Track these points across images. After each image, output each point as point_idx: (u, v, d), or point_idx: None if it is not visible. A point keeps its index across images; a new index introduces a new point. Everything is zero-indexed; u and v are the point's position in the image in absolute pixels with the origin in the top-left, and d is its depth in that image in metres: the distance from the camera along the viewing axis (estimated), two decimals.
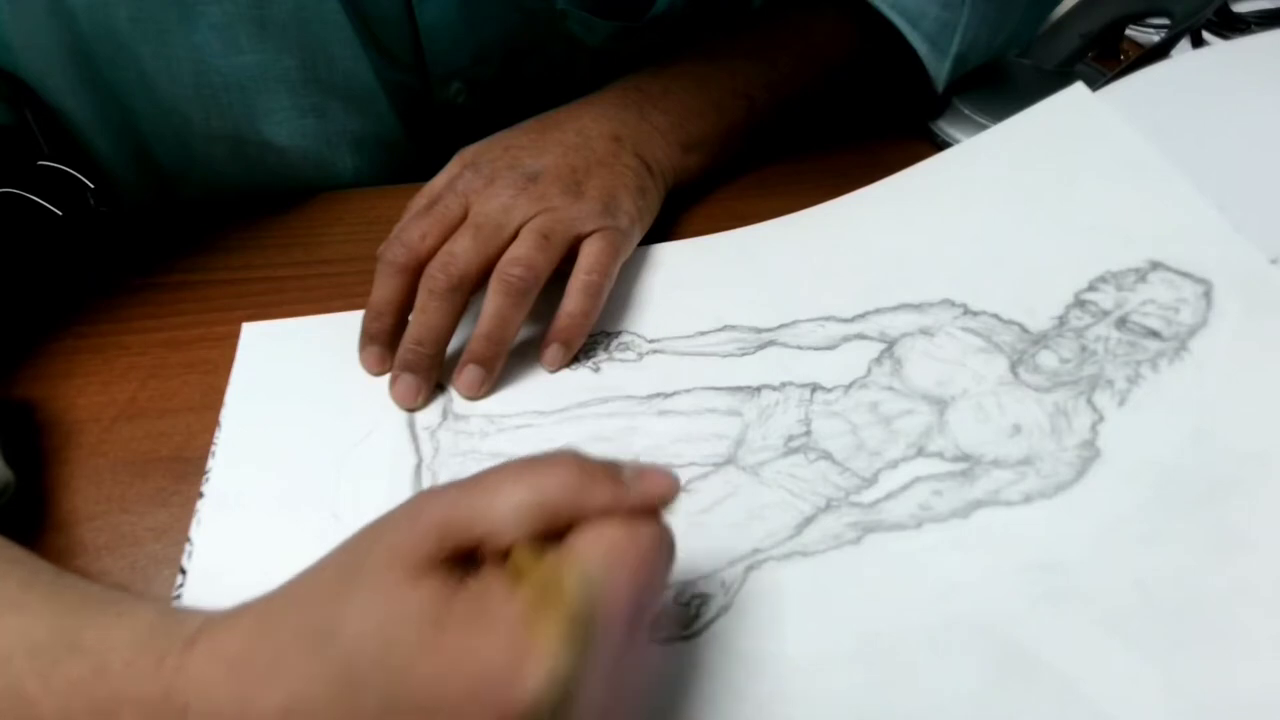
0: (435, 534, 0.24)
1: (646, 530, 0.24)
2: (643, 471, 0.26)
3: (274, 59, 0.45)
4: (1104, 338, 0.37)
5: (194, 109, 0.46)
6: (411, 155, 0.54)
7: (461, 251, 0.39)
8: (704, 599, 0.31)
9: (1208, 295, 0.37)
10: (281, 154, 0.50)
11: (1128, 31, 0.69)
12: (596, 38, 0.52)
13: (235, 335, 0.42)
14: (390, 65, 0.49)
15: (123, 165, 0.51)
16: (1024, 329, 0.39)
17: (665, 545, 0.25)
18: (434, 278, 0.38)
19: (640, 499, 0.25)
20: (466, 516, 0.24)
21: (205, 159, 0.50)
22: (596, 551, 0.23)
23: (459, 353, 0.39)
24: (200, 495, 0.35)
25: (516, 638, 0.22)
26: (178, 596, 0.32)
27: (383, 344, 0.40)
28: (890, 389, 0.38)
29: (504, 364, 0.40)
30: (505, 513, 0.24)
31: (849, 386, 0.38)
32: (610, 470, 0.25)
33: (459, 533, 0.24)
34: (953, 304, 0.40)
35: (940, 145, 0.52)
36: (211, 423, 0.38)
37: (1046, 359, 0.37)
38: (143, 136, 0.49)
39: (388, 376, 0.39)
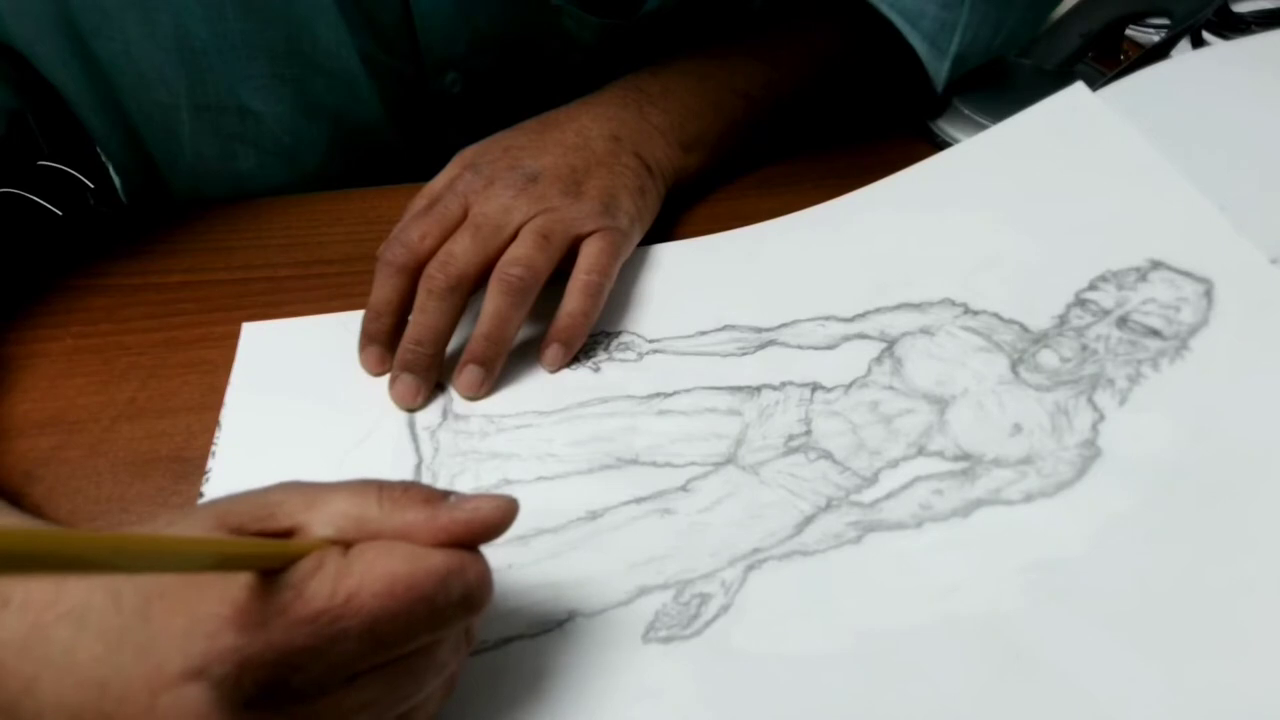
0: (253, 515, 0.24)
1: (427, 561, 0.23)
2: (467, 498, 0.25)
3: (257, 29, 0.46)
4: (1105, 336, 0.37)
5: (176, 75, 0.47)
6: (396, 141, 0.54)
7: (460, 252, 0.39)
8: (704, 599, 0.31)
9: (1208, 294, 0.37)
10: (259, 120, 0.50)
11: (1128, 31, 0.69)
12: (589, 34, 0.52)
13: (235, 335, 0.42)
14: (384, 50, 0.49)
15: (117, 148, 0.51)
16: (1024, 328, 0.39)
17: (447, 579, 0.24)
18: (433, 278, 0.38)
19: (449, 523, 0.24)
20: (282, 510, 0.24)
21: (191, 140, 0.50)
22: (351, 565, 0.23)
23: (459, 353, 0.39)
24: (200, 495, 0.35)
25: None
26: None
27: (382, 344, 0.40)
28: (890, 388, 0.38)
29: (504, 364, 0.40)
30: (321, 514, 0.24)
31: (849, 386, 0.38)
32: (417, 495, 0.25)
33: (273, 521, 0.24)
34: (953, 303, 0.40)
35: (940, 145, 0.52)
36: (211, 423, 0.38)
37: (1047, 358, 0.37)
38: (130, 117, 0.49)
39: (388, 376, 0.39)
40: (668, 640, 0.30)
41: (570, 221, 0.41)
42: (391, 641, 0.23)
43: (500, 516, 0.25)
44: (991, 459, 0.35)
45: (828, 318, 0.41)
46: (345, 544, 0.24)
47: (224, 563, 0.22)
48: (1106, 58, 0.65)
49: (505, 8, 0.49)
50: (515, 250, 0.39)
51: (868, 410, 0.37)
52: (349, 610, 0.22)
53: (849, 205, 0.47)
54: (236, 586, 0.22)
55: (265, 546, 0.23)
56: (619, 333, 0.42)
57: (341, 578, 0.23)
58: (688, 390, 0.39)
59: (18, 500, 0.35)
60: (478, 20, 0.49)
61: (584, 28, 0.51)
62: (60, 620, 0.23)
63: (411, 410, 0.39)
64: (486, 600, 0.25)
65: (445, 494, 0.25)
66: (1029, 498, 0.33)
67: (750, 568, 0.32)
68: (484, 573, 0.25)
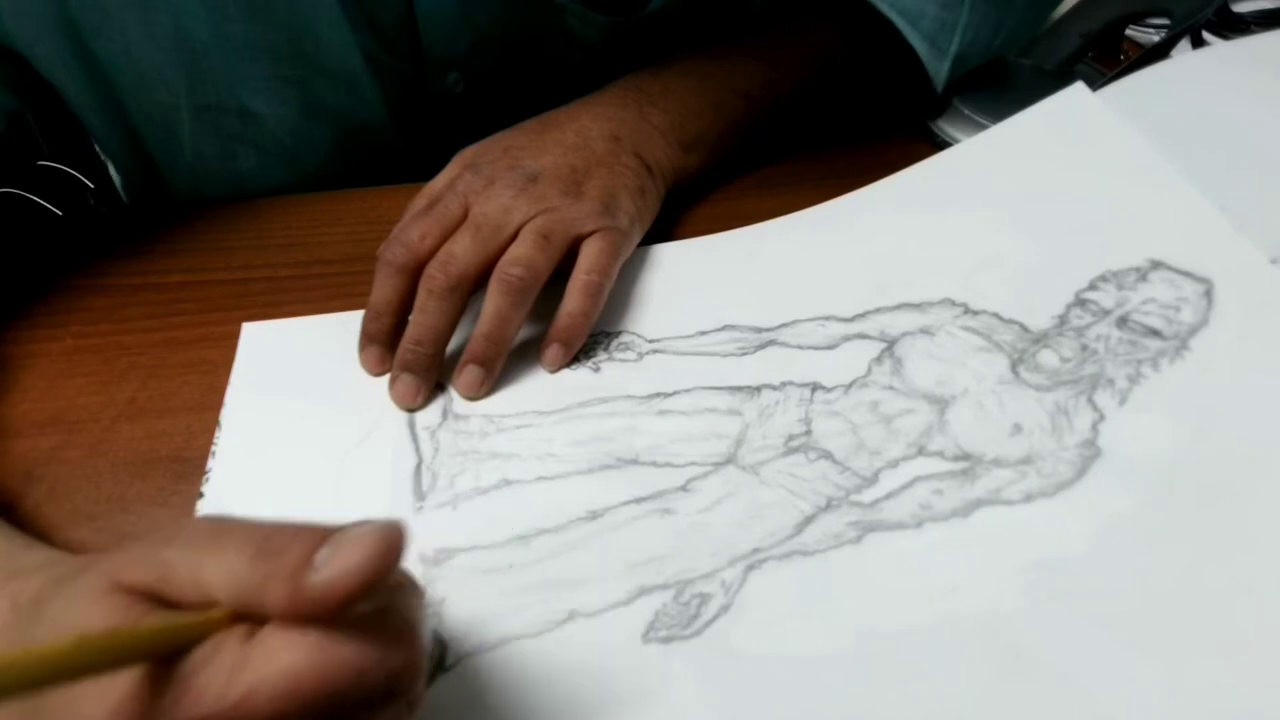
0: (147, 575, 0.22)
1: (339, 653, 0.20)
2: (344, 545, 0.20)
3: (260, 30, 0.46)
4: (1105, 336, 0.37)
5: (176, 76, 0.47)
6: (397, 142, 0.54)
7: (461, 252, 0.39)
8: (704, 599, 0.31)
9: (1209, 294, 0.37)
10: (260, 122, 0.50)
11: (1128, 31, 0.69)
12: (592, 33, 0.52)
13: (235, 335, 0.42)
14: (386, 51, 0.49)
15: (117, 148, 0.51)
16: (1024, 328, 0.39)
17: (362, 673, 0.20)
18: (433, 278, 0.38)
19: (316, 592, 0.20)
20: (175, 572, 0.22)
21: (191, 140, 0.50)
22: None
23: (459, 353, 0.39)
24: (200, 495, 0.35)
25: None
26: None
27: (382, 344, 0.40)
28: (890, 388, 0.38)
29: (504, 364, 0.40)
30: (215, 574, 0.21)
31: (849, 386, 0.38)
32: (283, 564, 0.20)
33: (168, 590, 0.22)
34: (953, 303, 0.40)
35: (940, 145, 0.52)
36: (211, 423, 0.38)
37: (1047, 358, 0.37)
38: (130, 117, 0.49)
39: (388, 376, 0.39)
40: (668, 640, 0.30)
41: (570, 221, 0.41)
42: None
43: (375, 558, 0.20)
44: (991, 459, 0.35)
45: (828, 318, 0.41)
46: (254, 618, 0.20)
47: (108, 663, 0.19)
48: (1106, 58, 0.65)
49: (507, 7, 0.49)
50: (515, 250, 0.39)
51: (868, 410, 0.37)
52: (240, 714, 0.19)
53: (849, 205, 0.47)
54: (119, 684, 0.20)
55: (149, 636, 0.20)
56: (619, 333, 0.42)
57: (236, 672, 0.20)
58: (688, 390, 0.39)
59: (18, 500, 0.35)
60: (480, 20, 0.49)
61: (588, 26, 0.51)
62: None
63: (411, 410, 0.39)
64: (411, 690, 0.22)
65: (324, 536, 0.20)
66: (1029, 498, 0.33)
67: (750, 568, 0.32)
68: (410, 660, 0.21)
